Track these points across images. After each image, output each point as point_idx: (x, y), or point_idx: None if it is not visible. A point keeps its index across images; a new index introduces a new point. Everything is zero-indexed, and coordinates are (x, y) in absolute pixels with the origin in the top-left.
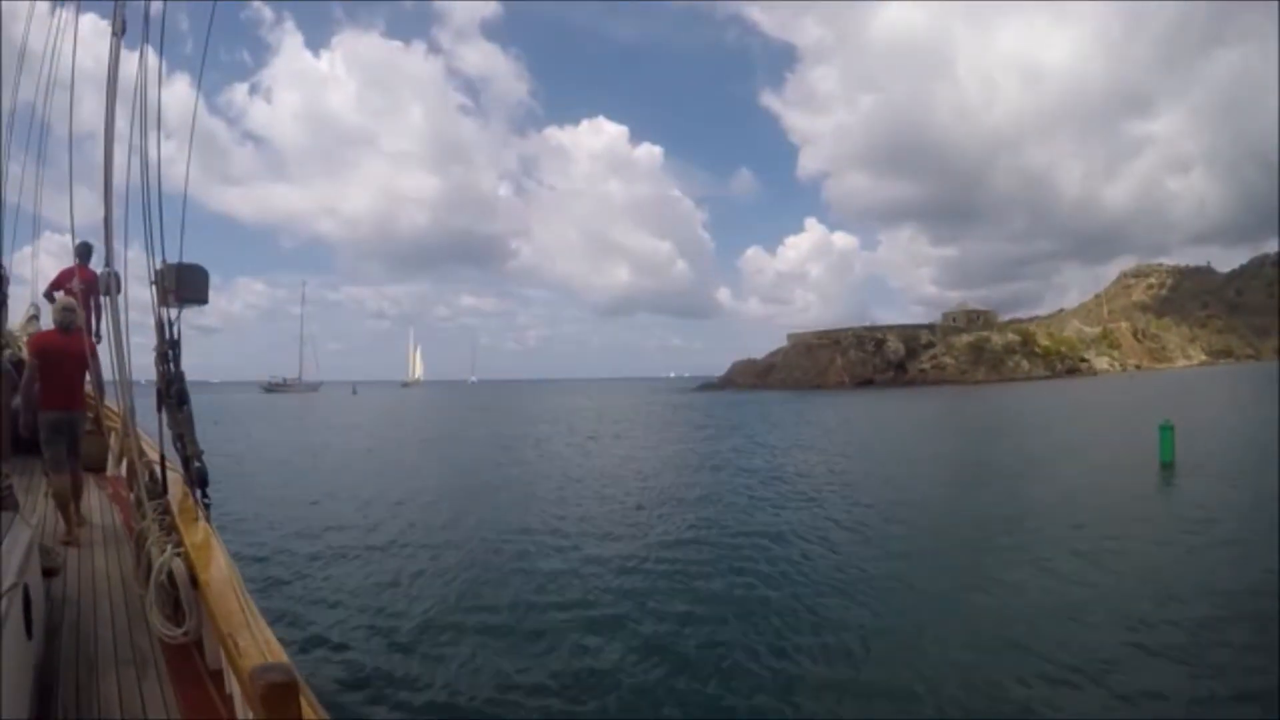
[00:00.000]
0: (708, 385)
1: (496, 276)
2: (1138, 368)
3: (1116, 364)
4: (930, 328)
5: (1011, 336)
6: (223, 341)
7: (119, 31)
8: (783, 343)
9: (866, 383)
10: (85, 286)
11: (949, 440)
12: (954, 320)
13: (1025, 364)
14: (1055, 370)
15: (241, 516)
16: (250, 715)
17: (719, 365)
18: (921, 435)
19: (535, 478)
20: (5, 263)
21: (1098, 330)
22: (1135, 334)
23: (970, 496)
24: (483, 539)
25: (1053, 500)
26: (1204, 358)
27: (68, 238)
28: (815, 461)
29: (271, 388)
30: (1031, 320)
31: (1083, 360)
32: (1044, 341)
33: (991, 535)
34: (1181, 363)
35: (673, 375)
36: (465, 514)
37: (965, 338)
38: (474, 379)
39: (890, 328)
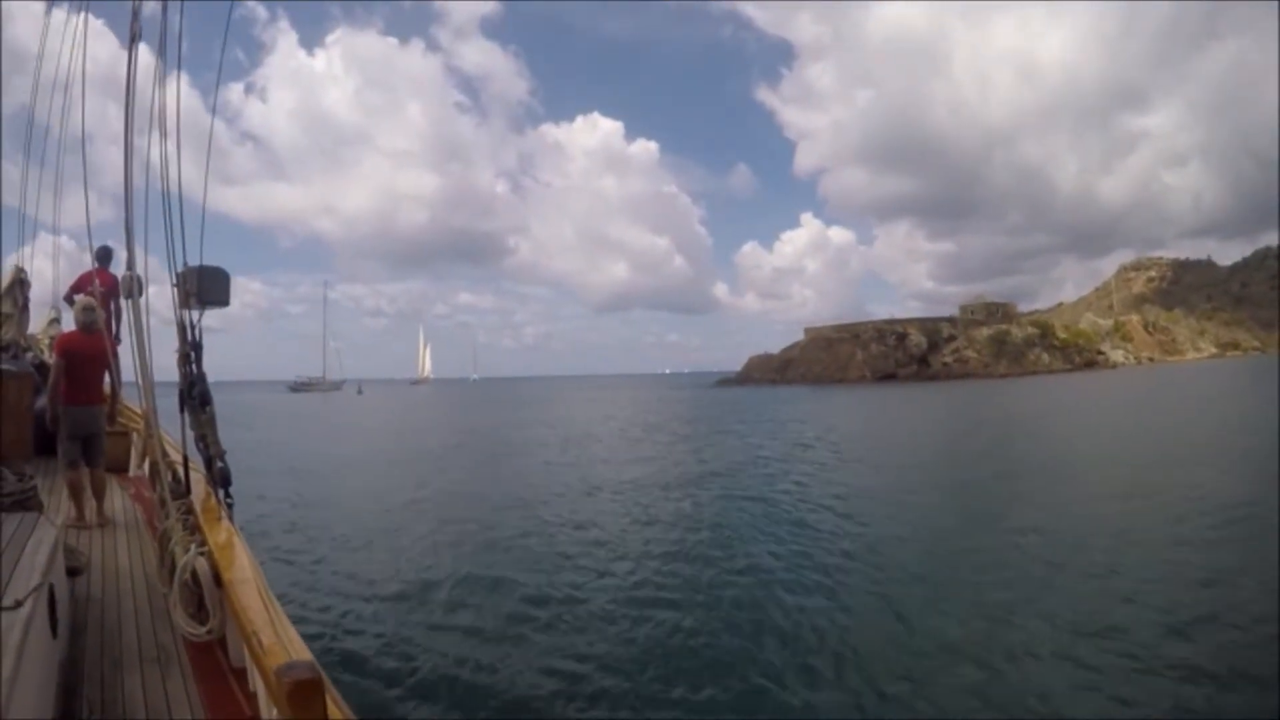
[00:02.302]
0: (725, 380)
1: (494, 273)
2: (1151, 360)
3: (1131, 357)
4: (951, 320)
5: (1031, 329)
6: (221, 341)
7: (136, 36)
8: (781, 338)
9: (888, 377)
10: (105, 290)
11: (1076, 440)
12: (972, 313)
13: (1045, 357)
14: (1074, 363)
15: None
16: (275, 712)
17: (717, 361)
18: (1037, 434)
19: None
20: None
21: (1110, 323)
22: (1145, 327)
23: (1150, 497)
24: (551, 537)
25: (1244, 493)
26: (1214, 350)
27: (61, 239)
28: (945, 466)
29: (297, 387)
30: (1031, 314)
31: (1099, 353)
32: (1061, 334)
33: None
34: (1192, 355)
35: (668, 372)
36: (542, 513)
37: (985, 331)
38: (475, 377)
39: (910, 320)
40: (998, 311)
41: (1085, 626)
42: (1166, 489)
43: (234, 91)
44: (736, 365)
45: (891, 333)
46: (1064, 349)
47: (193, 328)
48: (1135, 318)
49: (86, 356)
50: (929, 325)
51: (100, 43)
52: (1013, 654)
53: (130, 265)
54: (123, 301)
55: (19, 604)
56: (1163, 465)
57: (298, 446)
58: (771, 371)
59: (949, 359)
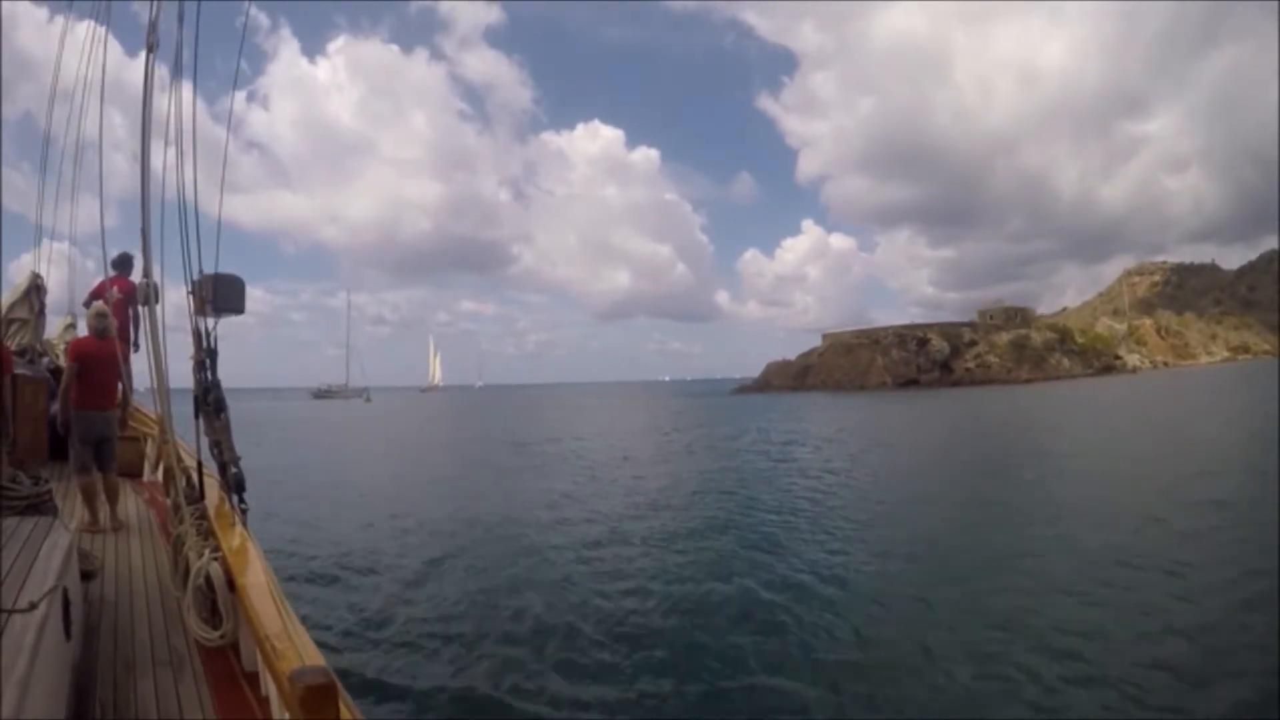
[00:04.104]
0: (744, 388)
1: (496, 281)
2: (1165, 364)
3: (1146, 361)
4: (971, 325)
5: (1049, 334)
6: (223, 348)
7: (153, 47)
8: (783, 346)
9: (910, 383)
10: (123, 296)
11: (1154, 452)
12: (991, 317)
13: (1065, 362)
14: (1093, 367)
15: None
16: (287, 717)
17: (719, 369)
18: (1117, 445)
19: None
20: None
21: (1124, 327)
22: (1158, 331)
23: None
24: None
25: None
26: (1227, 354)
27: (64, 245)
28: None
29: (320, 394)
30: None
31: (1117, 357)
32: (1079, 339)
33: None
34: (1205, 359)
35: (668, 379)
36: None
37: (1005, 335)
38: (480, 384)
39: (930, 325)
40: (1016, 316)
41: (1101, 627)
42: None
43: (237, 99)
44: (738, 373)
45: (913, 338)
46: (1082, 353)
47: (208, 334)
48: (1148, 322)
49: (99, 361)
50: (950, 330)
51: (101, 50)
52: (1017, 654)
53: (146, 272)
54: (140, 308)
55: (33, 606)
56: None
57: (329, 455)
58: (790, 378)
59: (971, 364)
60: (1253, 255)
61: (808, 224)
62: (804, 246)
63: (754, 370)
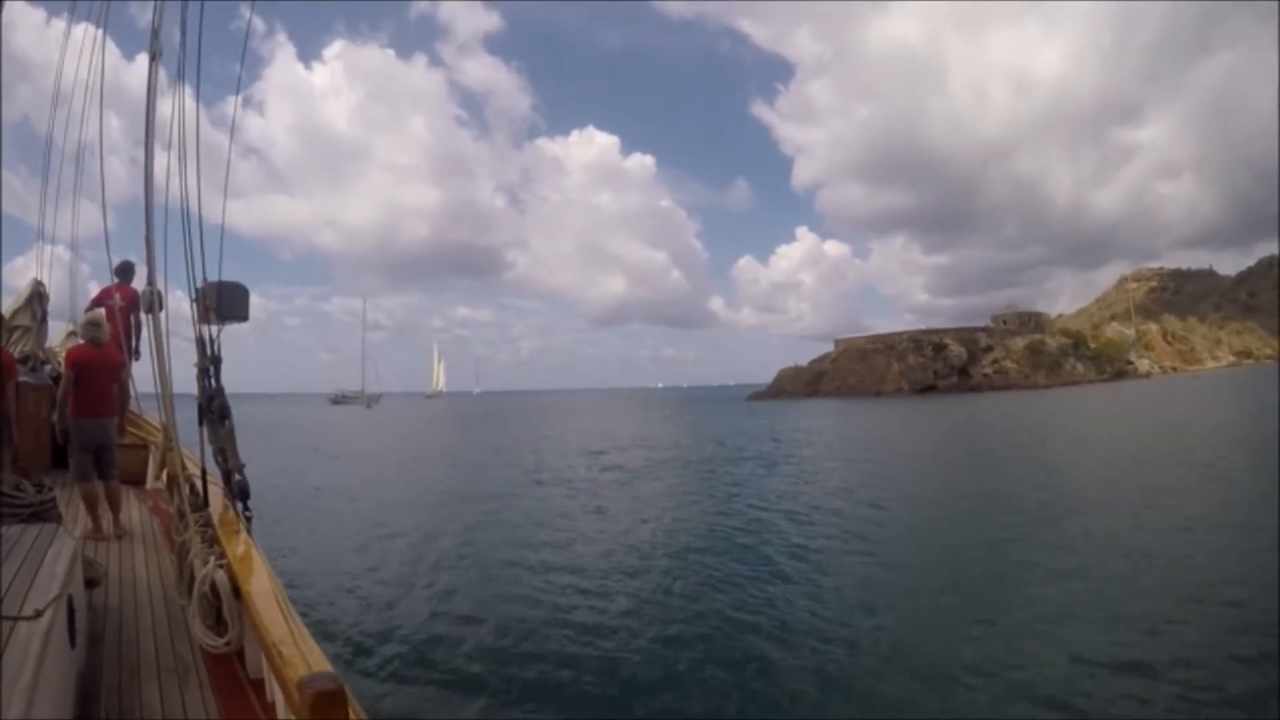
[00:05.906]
0: (758, 394)
1: (492, 287)
2: (1174, 370)
3: (1155, 366)
4: (986, 330)
5: (1063, 339)
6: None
7: (156, 55)
8: (777, 352)
9: (927, 389)
10: (124, 304)
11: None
12: (1005, 322)
13: (1080, 367)
14: (1106, 373)
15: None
16: None
17: (713, 376)
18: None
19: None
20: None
21: (1132, 332)
22: (1165, 336)
23: None
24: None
25: None
26: (1232, 358)
27: (58, 249)
28: None
29: (338, 399)
30: None
31: (1128, 363)
32: (1091, 345)
33: None
34: (1210, 364)
35: (661, 386)
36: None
37: (1020, 340)
38: (477, 390)
39: (945, 330)
40: (1030, 321)
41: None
42: None
43: (233, 105)
44: (732, 379)
45: (929, 343)
46: (1095, 359)
47: (212, 342)
48: (1155, 327)
49: (96, 369)
50: (965, 335)
51: (98, 53)
52: (1026, 654)
53: (150, 280)
54: (143, 316)
55: (38, 614)
56: None
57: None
58: (803, 384)
59: (989, 369)
60: (1248, 261)
61: (802, 231)
62: (798, 253)
63: (749, 377)
